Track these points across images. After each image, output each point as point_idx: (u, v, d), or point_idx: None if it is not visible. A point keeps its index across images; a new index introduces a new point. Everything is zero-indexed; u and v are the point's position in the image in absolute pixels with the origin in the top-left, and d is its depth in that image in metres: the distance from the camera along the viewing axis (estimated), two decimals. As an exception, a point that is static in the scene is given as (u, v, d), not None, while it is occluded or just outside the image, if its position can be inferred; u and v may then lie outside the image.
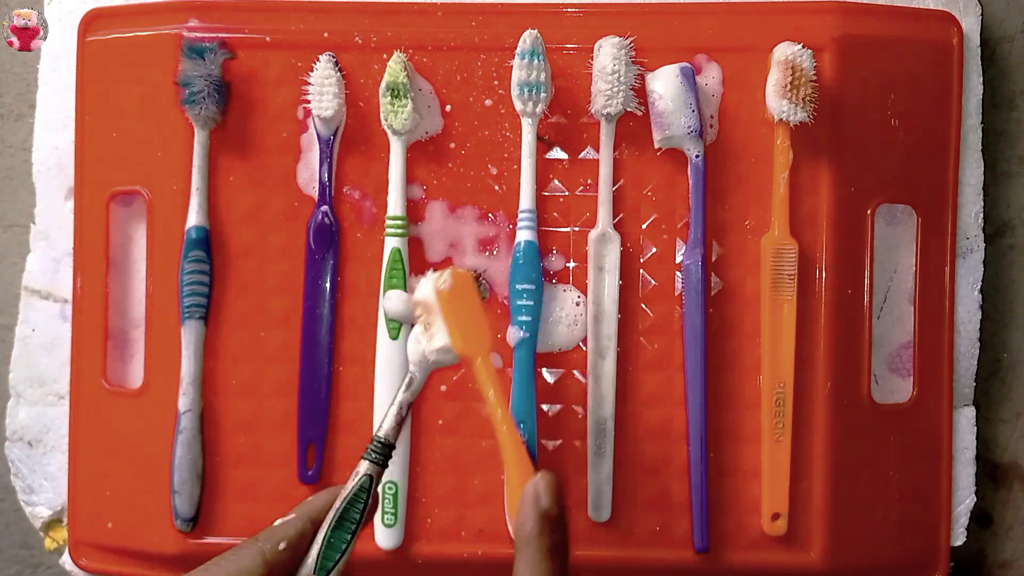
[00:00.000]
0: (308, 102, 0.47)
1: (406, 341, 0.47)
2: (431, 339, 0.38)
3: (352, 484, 0.36)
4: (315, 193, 0.49)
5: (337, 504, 0.36)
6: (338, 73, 0.47)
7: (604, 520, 0.48)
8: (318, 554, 0.35)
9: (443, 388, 0.49)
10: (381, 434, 0.37)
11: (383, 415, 0.38)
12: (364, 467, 0.37)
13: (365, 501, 0.37)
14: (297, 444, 0.49)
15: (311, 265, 0.49)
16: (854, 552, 0.49)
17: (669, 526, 0.48)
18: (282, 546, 0.35)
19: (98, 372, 0.50)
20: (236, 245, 0.49)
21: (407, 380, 0.38)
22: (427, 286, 0.38)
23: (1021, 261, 0.53)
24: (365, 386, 0.48)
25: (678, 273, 0.49)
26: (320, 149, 0.48)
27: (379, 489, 0.38)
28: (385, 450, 0.37)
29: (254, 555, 0.35)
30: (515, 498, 0.36)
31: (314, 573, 0.35)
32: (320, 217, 0.48)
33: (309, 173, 0.49)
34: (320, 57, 0.47)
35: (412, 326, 0.39)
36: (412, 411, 0.48)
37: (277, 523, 0.37)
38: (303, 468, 0.48)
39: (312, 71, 0.47)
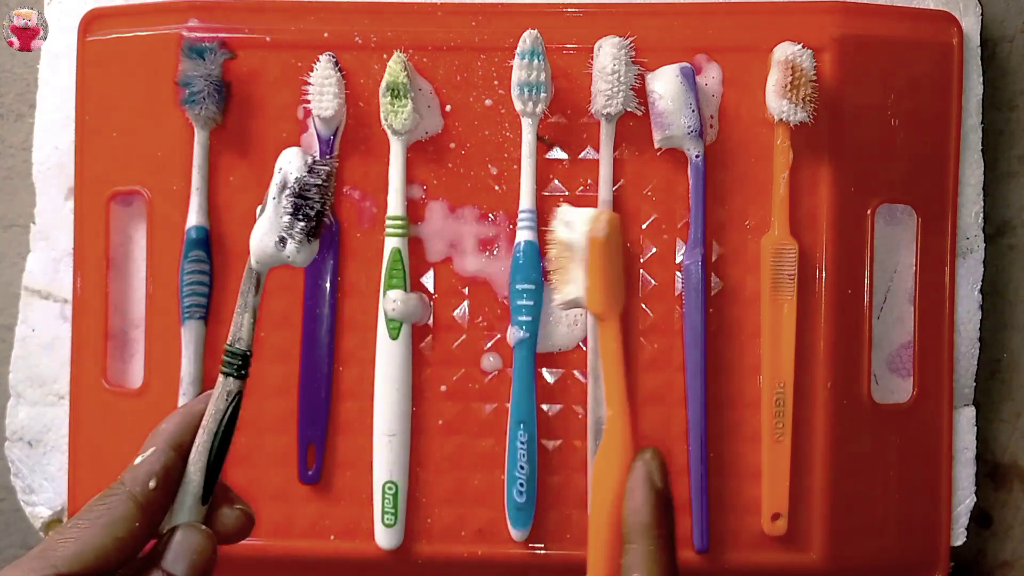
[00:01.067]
0: (308, 102, 0.47)
1: (406, 341, 0.47)
2: (562, 286, 0.34)
3: (225, 404, 0.34)
4: (315, 193, 0.49)
5: (213, 427, 0.34)
6: (338, 73, 0.47)
7: (604, 520, 0.48)
8: (201, 482, 0.34)
9: (443, 388, 0.49)
10: (243, 346, 0.35)
11: (236, 324, 0.35)
12: (234, 385, 0.34)
13: (235, 419, 0.34)
14: (297, 444, 0.49)
15: (311, 265, 0.48)
16: (854, 552, 0.49)
17: (669, 526, 0.48)
18: (152, 484, 0.33)
19: (98, 372, 0.50)
20: (236, 245, 0.49)
21: (254, 279, 0.35)
22: (579, 227, 0.32)
23: (1021, 261, 0.53)
24: (365, 386, 0.48)
25: (678, 273, 0.49)
26: (320, 149, 0.48)
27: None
28: (247, 361, 0.35)
29: (124, 500, 0.32)
30: (608, 476, 0.33)
31: (200, 500, 0.34)
32: (320, 217, 0.48)
33: (309, 173, 0.49)
34: (320, 57, 0.47)
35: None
36: (412, 411, 0.48)
37: (137, 460, 0.34)
38: (303, 468, 0.48)
39: (312, 71, 0.47)
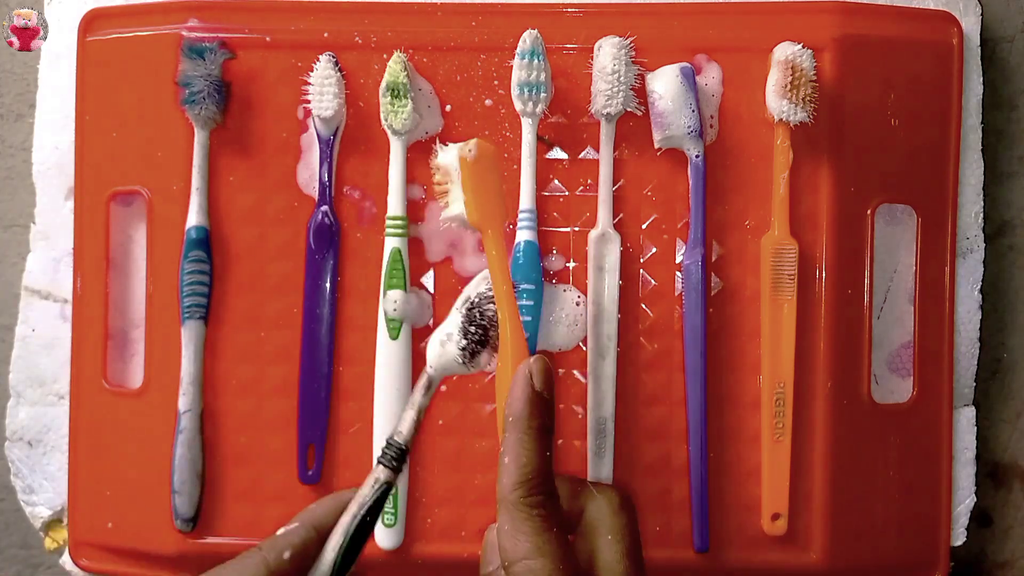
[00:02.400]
0: (308, 102, 0.47)
1: (406, 341, 0.47)
2: (447, 206, 0.38)
3: (372, 490, 0.35)
4: (315, 193, 0.49)
5: (356, 511, 0.35)
6: (338, 73, 0.47)
7: (604, 520, 0.48)
8: (333, 563, 0.34)
9: (443, 388, 0.49)
10: (401, 440, 0.36)
11: (401, 419, 0.36)
12: (383, 475, 0.35)
13: (382, 507, 0.36)
14: (297, 444, 0.49)
15: (311, 265, 0.49)
16: (854, 552, 0.49)
17: (669, 526, 0.48)
18: (287, 555, 0.35)
19: (98, 372, 0.50)
20: (236, 245, 0.49)
21: (425, 382, 0.37)
22: (451, 152, 0.38)
23: (1021, 261, 0.53)
24: (365, 386, 0.48)
25: (678, 273, 0.49)
26: (320, 149, 0.48)
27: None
28: (404, 456, 0.36)
29: (257, 564, 0.34)
30: (506, 379, 0.36)
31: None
32: (320, 217, 0.48)
33: (309, 173, 0.49)
34: (320, 57, 0.47)
35: (428, 327, 0.39)
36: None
37: (280, 532, 0.36)
38: (303, 468, 0.48)
39: (312, 71, 0.47)
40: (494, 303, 0.38)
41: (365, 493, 0.35)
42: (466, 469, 0.49)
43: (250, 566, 0.34)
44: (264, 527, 0.49)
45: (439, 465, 0.49)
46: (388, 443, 0.36)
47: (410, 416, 0.37)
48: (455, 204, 0.38)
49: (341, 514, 0.36)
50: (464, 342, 0.38)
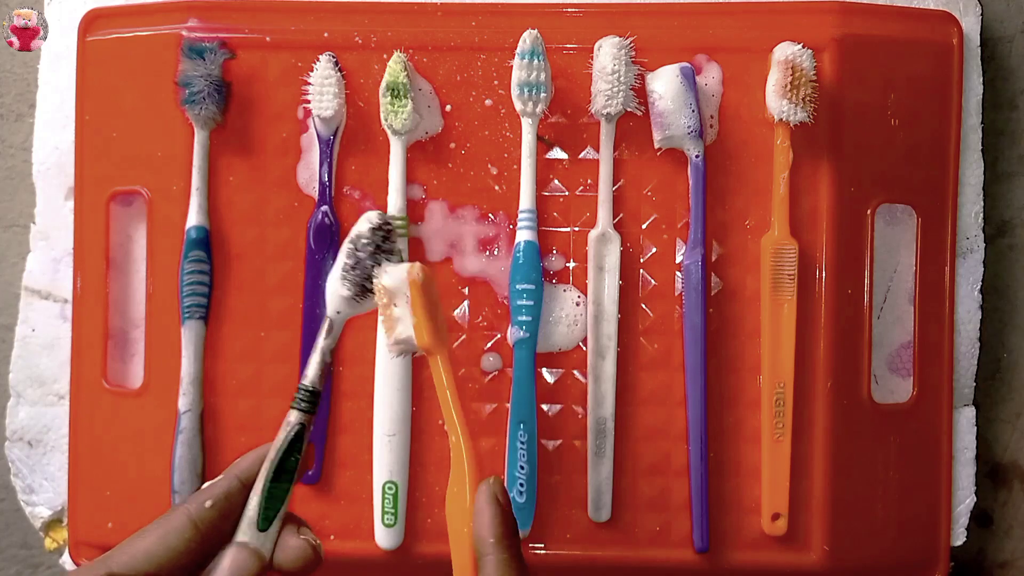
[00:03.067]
0: (308, 102, 0.47)
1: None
2: (392, 329, 0.38)
3: (284, 434, 0.36)
4: (315, 193, 0.49)
5: (272, 456, 0.36)
6: (338, 73, 0.47)
7: (604, 520, 0.48)
8: (258, 506, 0.35)
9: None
10: (307, 382, 0.37)
11: (308, 364, 0.37)
12: (294, 416, 0.37)
13: (299, 450, 0.36)
14: (297, 444, 0.49)
15: (311, 265, 0.49)
16: (854, 552, 0.49)
17: (669, 526, 0.48)
18: (208, 504, 0.35)
19: (98, 372, 0.50)
20: (236, 245, 0.49)
21: (327, 326, 0.38)
22: (398, 274, 0.37)
23: (1021, 261, 0.53)
24: (365, 386, 0.48)
25: (678, 273, 0.49)
26: (320, 149, 0.48)
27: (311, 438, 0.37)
28: (312, 397, 0.37)
29: (180, 516, 0.35)
30: (460, 499, 0.36)
31: (257, 526, 0.35)
32: (320, 217, 0.48)
33: (309, 173, 0.49)
34: (320, 57, 0.47)
35: (348, 280, 0.38)
36: (412, 411, 0.48)
37: (204, 486, 0.36)
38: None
39: (312, 71, 0.47)
40: (374, 241, 0.38)
41: (280, 437, 0.36)
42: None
43: (174, 519, 0.35)
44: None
45: (439, 465, 0.49)
46: (299, 388, 0.37)
47: (315, 360, 0.37)
48: (403, 327, 0.37)
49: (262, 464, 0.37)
50: (350, 283, 0.38)
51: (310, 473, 0.48)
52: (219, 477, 0.36)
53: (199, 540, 0.35)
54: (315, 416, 0.37)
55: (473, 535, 0.36)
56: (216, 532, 0.35)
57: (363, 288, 0.38)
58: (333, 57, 0.48)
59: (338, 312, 0.38)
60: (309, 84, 0.47)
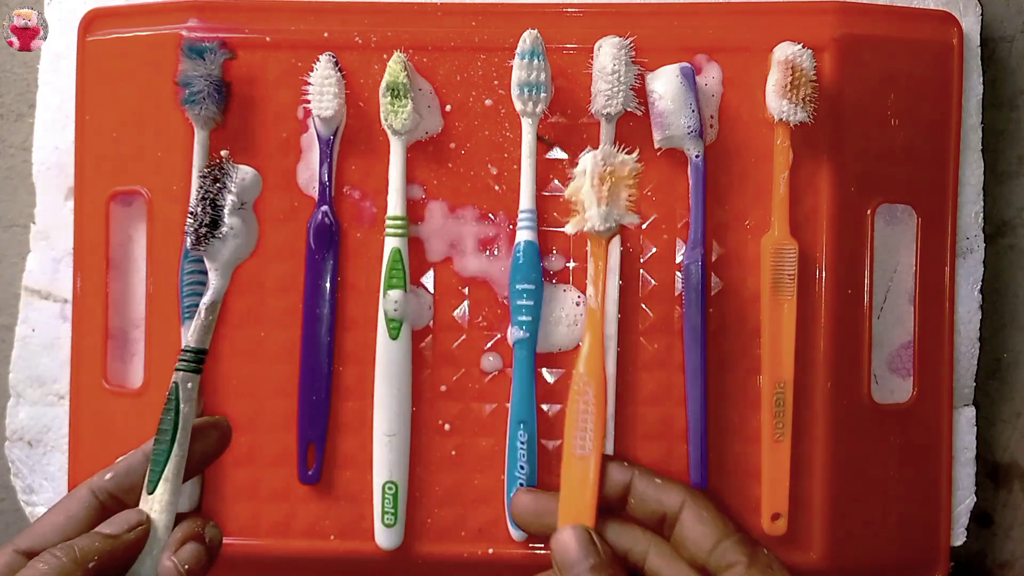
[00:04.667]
0: (308, 102, 0.47)
1: (406, 341, 0.47)
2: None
3: (171, 396, 0.37)
4: (315, 193, 0.49)
5: (162, 419, 0.37)
6: (338, 73, 0.47)
7: (604, 520, 0.48)
8: (148, 470, 0.37)
9: (443, 388, 0.49)
10: (188, 342, 0.38)
11: (191, 326, 0.38)
12: (175, 376, 0.38)
13: (175, 410, 0.37)
14: (297, 444, 0.49)
15: (311, 265, 0.49)
16: (854, 552, 0.49)
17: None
18: (108, 476, 0.38)
19: (98, 372, 0.50)
20: (236, 245, 0.49)
21: (207, 285, 0.39)
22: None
23: (1021, 261, 0.53)
24: (365, 386, 0.48)
25: (678, 273, 0.49)
26: (320, 149, 0.48)
27: (201, 398, 0.39)
28: (192, 355, 0.38)
29: (83, 489, 0.38)
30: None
31: (145, 488, 0.37)
32: (320, 217, 0.48)
33: (309, 173, 0.49)
34: (320, 57, 0.47)
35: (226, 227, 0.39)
36: (412, 411, 0.48)
37: (116, 461, 0.39)
38: (303, 468, 0.48)
39: (312, 71, 0.47)
40: (203, 188, 0.39)
41: (168, 398, 0.38)
42: (466, 469, 0.49)
43: (78, 492, 0.38)
44: (264, 527, 0.49)
45: (439, 465, 0.49)
46: (182, 349, 0.38)
47: (195, 319, 0.39)
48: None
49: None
50: (190, 234, 0.39)
51: (310, 473, 0.48)
52: (127, 454, 0.39)
53: (100, 509, 0.37)
54: (198, 376, 0.38)
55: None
56: (116, 502, 0.38)
57: (198, 236, 0.39)
58: (333, 57, 0.48)
59: (209, 268, 0.39)
60: (309, 84, 0.47)
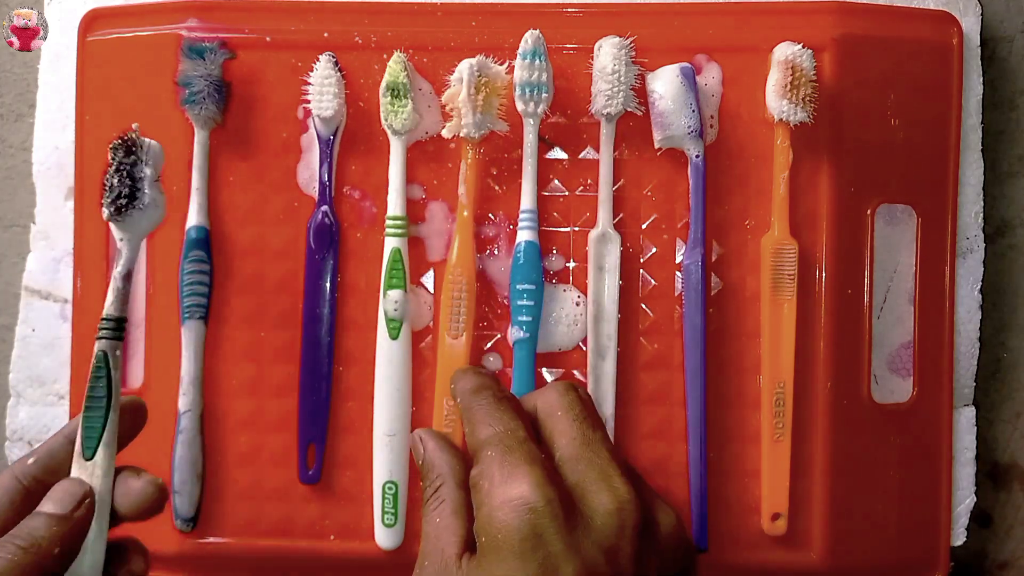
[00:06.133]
0: (308, 102, 0.47)
1: (406, 341, 0.47)
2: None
3: (93, 363, 0.38)
4: (315, 193, 0.49)
5: (88, 385, 0.38)
6: (338, 73, 0.47)
7: (604, 520, 0.48)
8: (80, 438, 0.38)
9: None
10: (105, 311, 0.39)
11: (107, 295, 0.39)
12: (100, 345, 0.38)
13: (107, 376, 0.38)
14: (297, 444, 0.49)
15: (311, 265, 0.49)
16: (854, 552, 0.49)
17: (669, 526, 0.48)
18: (31, 461, 0.38)
19: (98, 372, 0.50)
20: (236, 245, 0.49)
21: (117, 255, 0.40)
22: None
23: (1021, 261, 0.53)
24: (365, 386, 0.48)
25: (678, 273, 0.49)
26: (320, 149, 0.48)
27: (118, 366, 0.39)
28: (110, 323, 0.39)
29: (6, 475, 0.38)
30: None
31: (82, 456, 0.38)
32: (320, 217, 0.48)
33: (309, 173, 0.49)
34: (320, 57, 0.47)
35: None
36: (412, 411, 0.48)
37: (34, 448, 0.39)
38: (303, 468, 0.48)
39: (312, 71, 0.47)
40: (116, 160, 0.40)
41: (96, 367, 0.39)
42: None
43: (2, 480, 0.37)
44: (264, 527, 0.49)
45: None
46: (102, 316, 0.39)
47: (110, 289, 0.39)
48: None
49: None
50: (106, 206, 0.39)
51: (310, 473, 0.48)
52: (48, 438, 0.39)
53: (24, 494, 0.37)
54: (120, 343, 0.39)
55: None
56: (40, 485, 0.37)
57: (119, 208, 0.39)
58: (333, 57, 0.48)
59: (120, 239, 0.40)
60: (309, 84, 0.47)
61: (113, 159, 0.40)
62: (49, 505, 0.36)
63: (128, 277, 0.39)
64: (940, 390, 0.50)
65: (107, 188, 0.39)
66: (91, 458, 0.38)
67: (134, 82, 0.50)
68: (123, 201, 0.39)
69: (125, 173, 0.40)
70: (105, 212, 0.39)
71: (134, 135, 0.40)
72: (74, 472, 0.38)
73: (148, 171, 0.40)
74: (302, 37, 0.49)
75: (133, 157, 0.40)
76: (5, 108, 0.55)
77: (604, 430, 0.38)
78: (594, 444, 0.37)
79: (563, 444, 0.37)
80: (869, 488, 0.49)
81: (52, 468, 0.38)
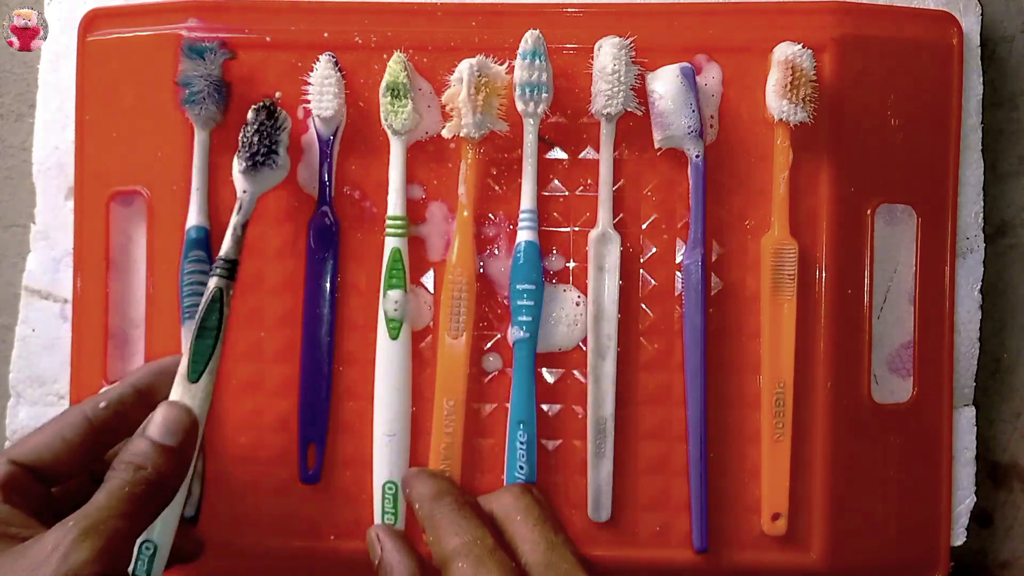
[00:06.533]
0: (308, 102, 0.47)
1: (406, 341, 0.47)
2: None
3: (206, 297, 0.42)
4: (315, 193, 0.49)
5: (197, 316, 0.42)
6: (338, 73, 0.47)
7: (604, 520, 0.48)
8: (187, 362, 0.41)
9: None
10: (222, 253, 0.43)
11: (225, 239, 0.43)
12: (213, 282, 0.42)
13: (220, 311, 0.42)
14: (297, 444, 0.49)
15: (311, 265, 0.49)
16: (854, 552, 0.49)
17: (669, 526, 0.48)
18: (102, 405, 0.39)
19: (98, 372, 0.50)
20: (236, 245, 0.49)
21: (237, 205, 0.44)
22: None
23: (1021, 261, 0.53)
24: (365, 386, 0.48)
25: (678, 273, 0.49)
26: (320, 149, 0.48)
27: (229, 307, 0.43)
28: (228, 265, 0.43)
29: (76, 413, 0.39)
30: None
31: (187, 378, 0.41)
32: (320, 217, 0.48)
33: (309, 173, 0.49)
34: (320, 57, 0.47)
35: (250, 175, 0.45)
36: (412, 411, 0.48)
37: (101, 391, 0.41)
38: (303, 468, 0.48)
39: (312, 71, 0.47)
40: (258, 120, 0.45)
41: (203, 299, 0.42)
42: (466, 469, 0.48)
43: (70, 415, 0.39)
44: (264, 526, 0.49)
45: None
46: (216, 259, 0.43)
47: (228, 234, 0.44)
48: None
49: (157, 374, 0.42)
50: (245, 160, 0.44)
51: (310, 473, 0.48)
52: (116, 384, 0.41)
53: (92, 435, 0.39)
54: (233, 283, 0.43)
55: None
56: (108, 430, 0.40)
57: (256, 164, 0.44)
58: (333, 57, 0.48)
59: (244, 191, 0.45)
60: (309, 84, 0.47)
61: (255, 119, 0.44)
62: (157, 432, 0.38)
63: (246, 226, 0.44)
64: (940, 390, 0.50)
65: (245, 145, 0.44)
66: (196, 381, 0.41)
67: (134, 82, 0.50)
68: (260, 158, 0.44)
69: (265, 134, 0.44)
70: (240, 166, 0.44)
71: (276, 102, 0.45)
72: (177, 395, 0.40)
73: (284, 137, 0.45)
74: (302, 37, 0.49)
75: (274, 121, 0.45)
76: (5, 108, 0.55)
77: (565, 532, 0.38)
78: (559, 548, 0.37)
79: (527, 550, 0.37)
80: (869, 488, 0.49)
81: (120, 414, 0.40)
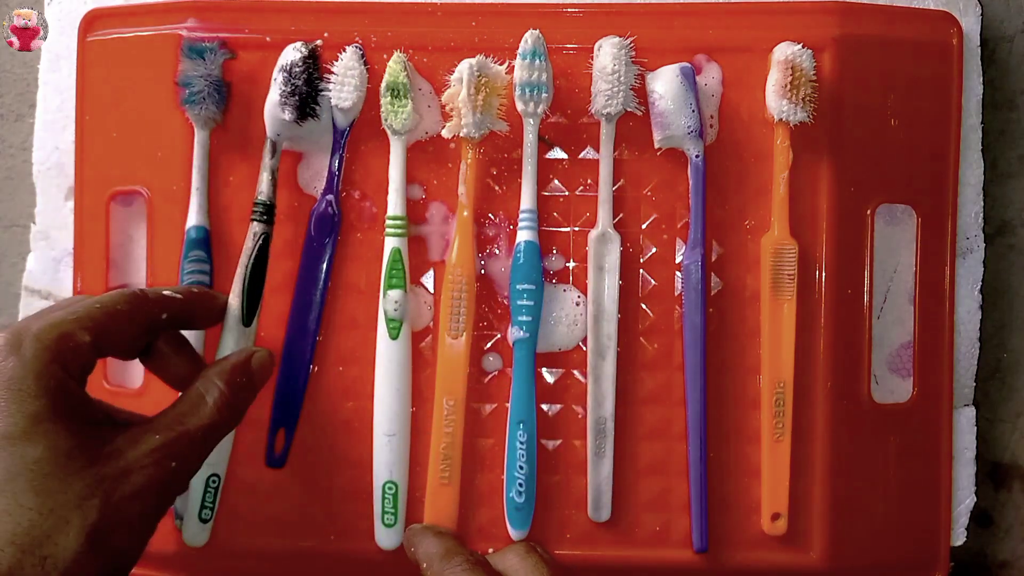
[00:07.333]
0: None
1: (406, 341, 0.47)
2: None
3: (253, 242, 0.44)
4: (316, 193, 0.49)
5: (245, 261, 0.44)
6: (363, 66, 0.47)
7: (604, 520, 0.48)
8: (240, 305, 0.43)
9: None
10: (263, 198, 0.45)
11: (259, 182, 0.45)
12: (259, 228, 0.45)
13: (266, 256, 0.45)
14: (296, 443, 0.49)
15: (308, 251, 0.48)
16: (854, 552, 0.49)
17: (669, 526, 0.48)
18: (166, 291, 0.41)
19: (98, 372, 0.49)
20: (236, 245, 0.49)
21: (270, 147, 0.46)
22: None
23: (1021, 261, 0.53)
24: (365, 386, 0.48)
25: (678, 273, 0.49)
26: (335, 139, 0.48)
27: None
28: (269, 209, 0.45)
29: (127, 292, 0.39)
30: None
31: (241, 322, 0.44)
32: (324, 206, 0.48)
33: (310, 172, 0.49)
34: (347, 48, 0.47)
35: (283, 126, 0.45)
36: (412, 411, 0.48)
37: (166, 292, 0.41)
38: (271, 452, 0.48)
39: (336, 60, 0.47)
40: (307, 68, 0.45)
41: (249, 245, 0.44)
42: (465, 469, 0.48)
43: (127, 292, 0.39)
44: (264, 527, 0.49)
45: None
46: (255, 202, 0.45)
47: (265, 177, 0.45)
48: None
49: (199, 298, 0.43)
50: (291, 108, 0.44)
51: (277, 456, 0.48)
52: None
53: (146, 314, 0.39)
54: (272, 228, 0.45)
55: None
56: (163, 308, 0.40)
57: (303, 112, 0.45)
58: (360, 50, 0.47)
59: (278, 135, 0.45)
60: (332, 73, 0.46)
61: (303, 64, 0.44)
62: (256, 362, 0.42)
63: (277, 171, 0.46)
64: (940, 390, 0.50)
65: (291, 92, 0.44)
66: (249, 325, 0.44)
67: (134, 82, 0.50)
68: (310, 110, 0.45)
69: (307, 77, 0.45)
70: (288, 115, 0.44)
71: (318, 48, 0.46)
72: (233, 338, 0.44)
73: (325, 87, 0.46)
74: (302, 37, 0.49)
75: (317, 69, 0.45)
76: (5, 108, 0.55)
77: None
78: None
79: None
80: (869, 488, 0.49)
81: (185, 300, 0.42)
